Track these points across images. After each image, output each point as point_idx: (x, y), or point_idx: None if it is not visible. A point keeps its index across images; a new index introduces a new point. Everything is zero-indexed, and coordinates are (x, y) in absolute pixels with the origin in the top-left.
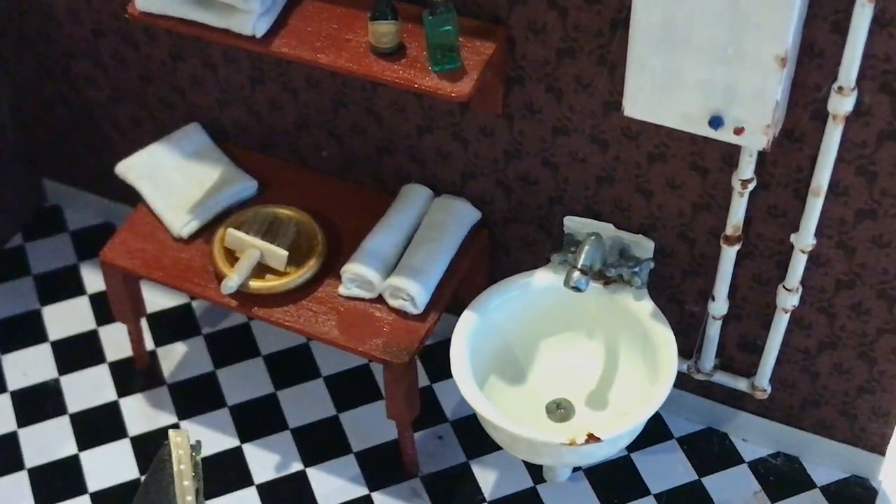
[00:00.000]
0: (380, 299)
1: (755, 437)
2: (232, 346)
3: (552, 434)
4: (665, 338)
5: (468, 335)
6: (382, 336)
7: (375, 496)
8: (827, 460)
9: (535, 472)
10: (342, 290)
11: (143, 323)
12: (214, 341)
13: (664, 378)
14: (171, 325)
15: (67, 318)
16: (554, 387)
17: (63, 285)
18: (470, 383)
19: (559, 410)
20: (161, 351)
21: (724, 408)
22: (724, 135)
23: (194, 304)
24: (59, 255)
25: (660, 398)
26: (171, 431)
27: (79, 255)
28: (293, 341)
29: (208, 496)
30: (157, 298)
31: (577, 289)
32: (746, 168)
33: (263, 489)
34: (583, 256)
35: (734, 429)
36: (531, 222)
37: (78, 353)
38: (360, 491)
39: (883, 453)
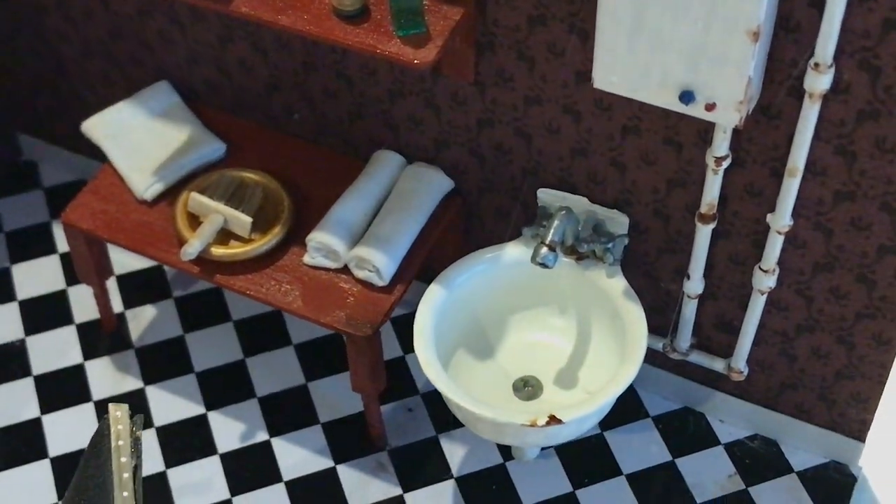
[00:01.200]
0: (346, 269)
1: (733, 418)
2: (202, 310)
3: (513, 415)
4: (635, 316)
5: (433, 309)
6: (346, 308)
7: (341, 469)
8: (805, 445)
9: (505, 448)
10: (307, 259)
11: (113, 284)
12: (184, 305)
13: (632, 358)
14: (141, 288)
15: (37, 277)
16: (523, 364)
17: (34, 243)
18: (431, 359)
19: (527, 388)
20: (130, 313)
21: (701, 388)
22: (696, 110)
23: (166, 266)
24: (32, 211)
25: (626, 379)
26: (110, 405)
27: (52, 213)
28: (265, 307)
29: (171, 464)
30: (127, 260)
31: (544, 265)
32: (721, 145)
33: (227, 458)
34: (551, 232)
35: (711, 409)
36: (505, 193)
37: (45, 313)
38: (326, 463)
39: (863, 440)
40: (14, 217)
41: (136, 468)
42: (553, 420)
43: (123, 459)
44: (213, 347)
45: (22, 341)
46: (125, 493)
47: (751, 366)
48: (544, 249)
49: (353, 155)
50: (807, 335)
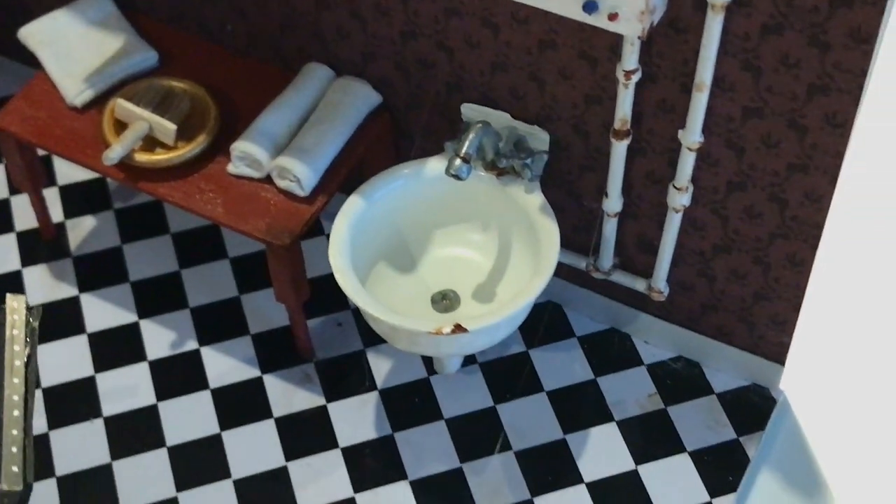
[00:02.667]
0: (269, 179)
1: (657, 339)
2: (141, 222)
3: (419, 322)
4: (550, 231)
5: (350, 220)
6: (267, 217)
7: (267, 378)
8: (727, 367)
9: (430, 363)
10: (231, 168)
11: (55, 195)
12: (124, 217)
13: (543, 271)
14: (83, 199)
15: None
16: (442, 278)
17: None
18: (343, 266)
19: (444, 301)
20: (70, 223)
21: (626, 309)
22: (599, 20)
23: (108, 179)
24: None
25: (534, 291)
26: (8, 296)
27: None
28: (203, 221)
29: (100, 369)
30: (70, 171)
31: (457, 176)
32: (629, 58)
33: (155, 365)
34: (466, 144)
35: (636, 330)
36: (432, 108)
37: None
38: (253, 373)
39: (782, 363)
40: None
41: (30, 357)
42: (458, 329)
43: (17, 348)
44: (149, 258)
45: None
46: (16, 380)
47: (672, 287)
48: (458, 161)
49: (284, 67)
50: (724, 255)
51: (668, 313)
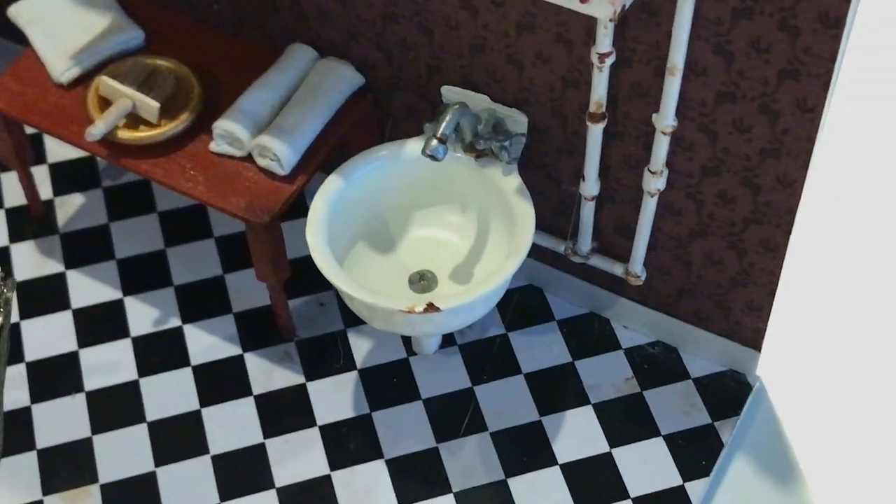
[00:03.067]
0: (250, 158)
1: (635, 324)
2: (130, 201)
3: (391, 301)
4: (525, 213)
5: (329, 199)
6: (247, 195)
7: (248, 356)
8: (704, 353)
9: (410, 344)
10: (213, 146)
11: (45, 172)
12: (113, 195)
13: (516, 252)
14: (73, 177)
15: None
16: (421, 258)
17: None
18: (319, 244)
19: (422, 282)
20: (58, 200)
21: (605, 293)
22: (572, 3)
23: (99, 158)
24: None
25: (506, 272)
26: None
27: None
28: (190, 201)
29: (83, 345)
30: (60, 149)
31: (433, 157)
32: (603, 41)
33: (138, 342)
34: (443, 125)
35: (615, 315)
36: (413, 90)
37: None
38: (234, 350)
39: (758, 349)
40: None
41: (2, 328)
42: (431, 307)
43: None
44: (136, 237)
45: None
46: None
47: (650, 271)
48: (434, 142)
49: (269, 47)
50: (700, 240)
51: (645, 298)
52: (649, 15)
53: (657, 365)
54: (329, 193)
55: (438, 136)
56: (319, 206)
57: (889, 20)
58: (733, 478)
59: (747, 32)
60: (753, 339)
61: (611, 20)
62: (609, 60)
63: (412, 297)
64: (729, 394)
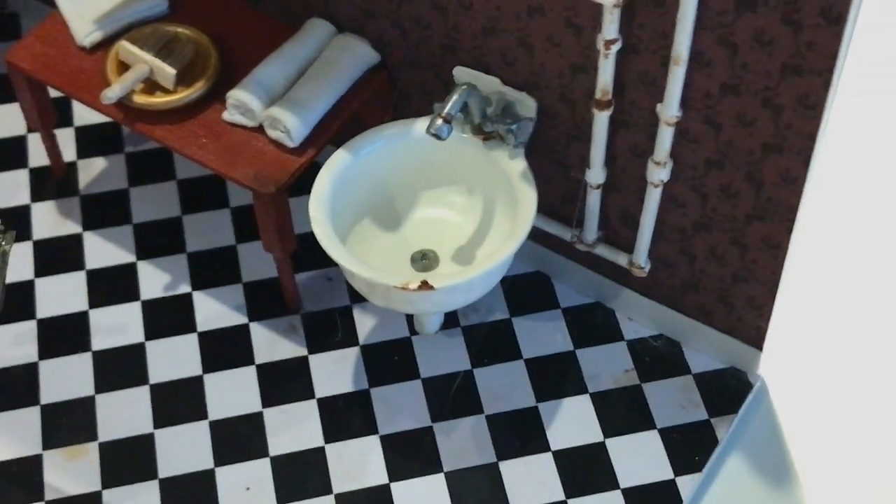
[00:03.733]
0: (261, 129)
1: (640, 316)
2: (150, 167)
3: (386, 276)
4: (528, 197)
5: (334, 173)
6: (256, 165)
7: (253, 326)
8: (706, 348)
9: (413, 324)
10: (226, 115)
11: (71, 135)
12: (134, 161)
13: (515, 236)
14: (97, 141)
15: (2, 118)
16: (425, 237)
17: (3, 89)
18: (320, 217)
19: (423, 260)
20: (81, 163)
21: (611, 283)
22: None
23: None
24: (3, 59)
25: (504, 255)
26: None
27: None
28: (209, 170)
29: (94, 305)
30: (88, 113)
31: (437, 136)
32: (609, 27)
33: (147, 306)
34: (449, 105)
35: (621, 306)
36: (428, 69)
37: (5, 154)
38: (241, 319)
39: (760, 347)
40: None
41: None
42: (424, 285)
43: None
44: (153, 203)
45: None
46: None
47: (654, 263)
48: (439, 121)
49: (289, 21)
50: (703, 234)
51: (650, 290)
52: (655, 4)
53: (659, 358)
54: (335, 168)
55: (443, 115)
56: (324, 180)
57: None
58: (727, 475)
59: (751, 25)
60: (755, 338)
61: (615, 6)
62: (615, 47)
63: (410, 275)
64: (728, 391)
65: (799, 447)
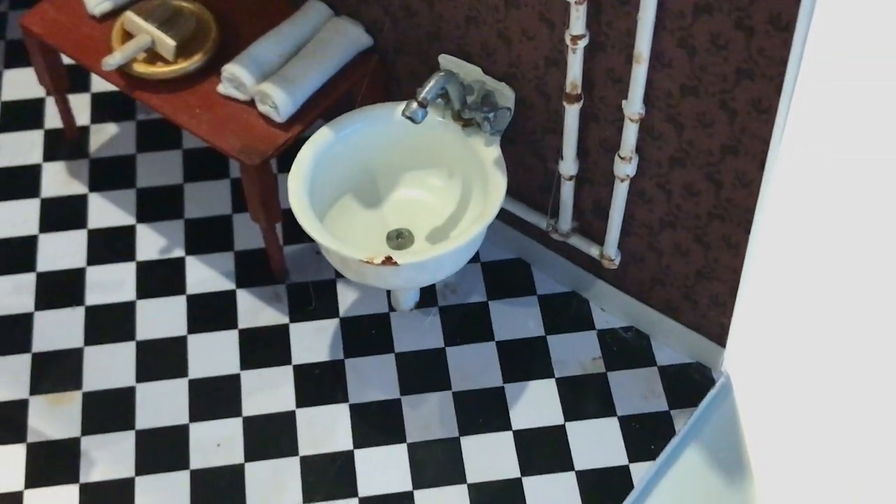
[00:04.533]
0: (253, 103)
1: (612, 308)
2: (159, 135)
3: (353, 250)
4: (498, 183)
5: (317, 150)
6: (244, 137)
7: (240, 292)
8: (674, 342)
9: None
10: (220, 88)
11: (87, 100)
12: (144, 128)
13: (480, 220)
14: (111, 107)
15: (21, 84)
16: (402, 218)
17: (22, 52)
18: (297, 190)
19: (399, 239)
20: (94, 127)
21: (586, 274)
22: None
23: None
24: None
25: (467, 237)
26: None
27: None
28: None
29: (92, 262)
30: (104, 80)
31: (411, 119)
32: (576, 23)
33: (142, 266)
34: (426, 90)
35: (594, 296)
36: (416, 56)
37: (23, 115)
38: (228, 285)
39: (723, 344)
40: (13, 29)
41: None
42: (388, 261)
43: None
44: (158, 169)
45: None
46: None
47: (625, 257)
48: (414, 105)
49: (291, 2)
50: (669, 230)
51: (621, 283)
52: (621, 2)
53: (626, 349)
54: (317, 145)
55: (419, 100)
56: (306, 156)
57: (848, 28)
58: (681, 466)
59: (707, 28)
60: (719, 335)
61: (578, 3)
62: (582, 43)
63: (378, 251)
64: (691, 385)
65: (756, 445)
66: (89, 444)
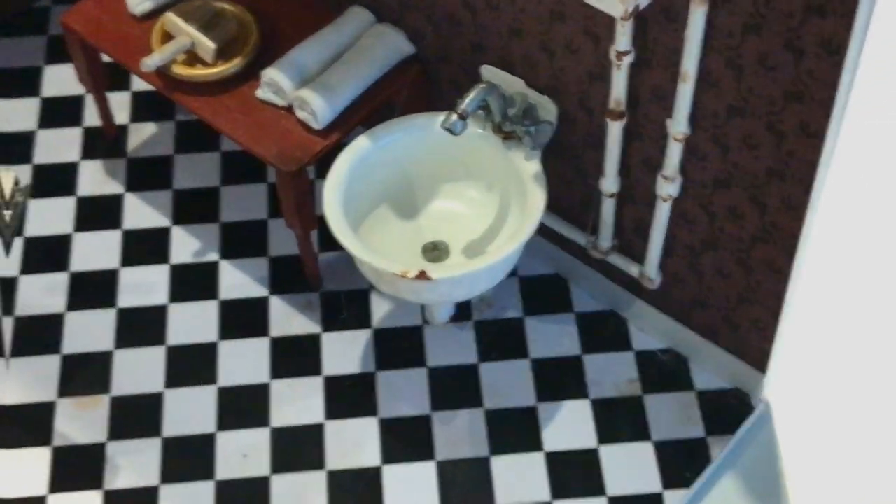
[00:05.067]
0: (291, 109)
1: (651, 328)
2: (198, 137)
3: (386, 263)
4: (537, 199)
5: (353, 158)
6: (281, 143)
7: (273, 299)
8: (713, 367)
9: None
10: (259, 92)
11: (127, 98)
12: (183, 129)
13: (517, 237)
14: (151, 106)
15: (61, 80)
16: (438, 229)
17: (63, 47)
18: (333, 199)
19: (434, 251)
20: (133, 127)
21: (624, 293)
22: None
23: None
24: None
25: (503, 253)
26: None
27: None
28: None
29: (125, 264)
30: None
31: (450, 131)
32: (621, 39)
33: (176, 269)
34: (465, 102)
35: (633, 316)
36: (459, 65)
37: (62, 112)
38: (262, 291)
39: (763, 370)
40: (55, 24)
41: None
42: (422, 275)
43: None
44: (195, 171)
45: (32, 133)
46: None
47: (666, 278)
48: (453, 116)
49: (334, 7)
50: (711, 252)
51: (661, 303)
52: (668, 20)
53: (664, 372)
54: (355, 154)
55: (459, 111)
56: (342, 164)
57: None
58: (717, 496)
59: (756, 48)
60: (759, 361)
61: (622, 18)
62: (627, 59)
63: (416, 264)
64: (729, 412)
65: (794, 476)
66: (115, 449)
